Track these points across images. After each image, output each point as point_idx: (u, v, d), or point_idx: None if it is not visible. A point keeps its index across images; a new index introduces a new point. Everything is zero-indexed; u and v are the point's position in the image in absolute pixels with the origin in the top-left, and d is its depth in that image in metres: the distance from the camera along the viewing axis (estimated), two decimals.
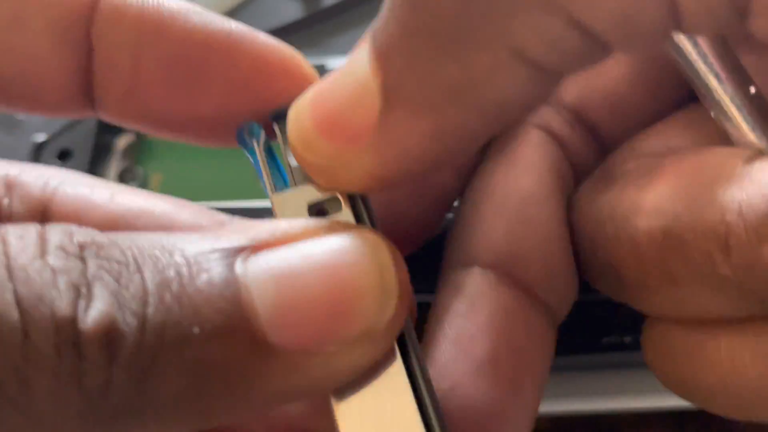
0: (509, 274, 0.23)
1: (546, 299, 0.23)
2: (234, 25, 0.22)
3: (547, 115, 0.25)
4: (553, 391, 0.33)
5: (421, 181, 0.25)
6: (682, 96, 0.25)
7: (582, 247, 0.24)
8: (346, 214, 0.21)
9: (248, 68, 0.21)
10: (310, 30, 0.40)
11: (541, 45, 0.18)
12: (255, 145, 0.22)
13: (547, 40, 0.18)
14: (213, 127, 0.22)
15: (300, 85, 0.21)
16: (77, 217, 0.23)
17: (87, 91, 0.22)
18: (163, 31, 0.21)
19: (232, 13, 0.40)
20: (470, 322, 0.22)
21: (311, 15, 0.40)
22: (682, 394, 0.23)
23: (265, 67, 0.21)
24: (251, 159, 0.22)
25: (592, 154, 0.26)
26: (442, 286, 0.23)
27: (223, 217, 0.24)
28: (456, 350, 0.22)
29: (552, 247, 0.23)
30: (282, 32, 0.39)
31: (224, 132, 0.22)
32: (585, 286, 0.24)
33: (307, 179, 0.21)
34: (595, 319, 0.27)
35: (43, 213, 0.23)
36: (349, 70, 0.20)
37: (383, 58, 0.19)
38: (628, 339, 0.31)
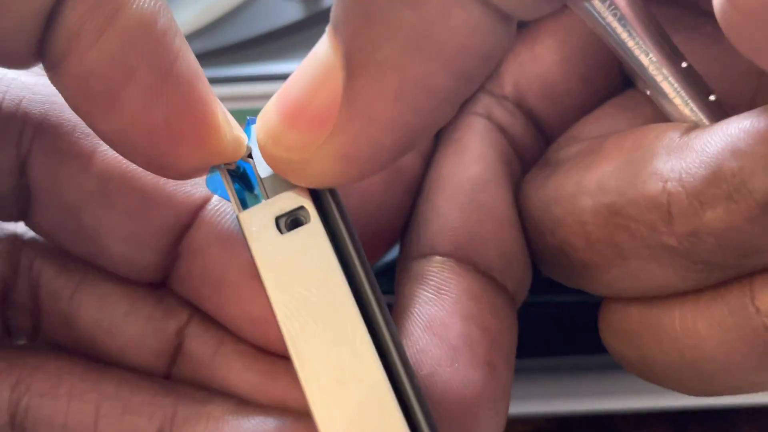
0: (468, 260, 0.23)
1: (504, 283, 0.23)
2: None
3: (489, 104, 0.25)
4: (554, 391, 0.33)
5: (392, 168, 0.24)
6: (616, 83, 0.25)
7: (532, 234, 0.24)
8: (315, 225, 0.20)
9: None
10: (311, 31, 0.40)
11: None
12: (218, 168, 0.20)
13: None
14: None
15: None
16: (54, 187, 0.22)
17: None
18: None
19: (233, 15, 0.40)
20: (439, 307, 0.22)
21: (311, 16, 0.40)
22: (644, 375, 0.23)
23: None
24: (217, 188, 0.21)
25: (535, 143, 0.26)
26: (404, 278, 0.23)
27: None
28: (429, 336, 0.22)
29: (506, 231, 0.24)
30: (282, 33, 0.39)
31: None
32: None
33: (280, 187, 0.20)
34: (597, 320, 0.27)
35: (20, 169, 0.22)
36: (310, 57, 0.19)
37: (340, 27, 0.19)
38: None
